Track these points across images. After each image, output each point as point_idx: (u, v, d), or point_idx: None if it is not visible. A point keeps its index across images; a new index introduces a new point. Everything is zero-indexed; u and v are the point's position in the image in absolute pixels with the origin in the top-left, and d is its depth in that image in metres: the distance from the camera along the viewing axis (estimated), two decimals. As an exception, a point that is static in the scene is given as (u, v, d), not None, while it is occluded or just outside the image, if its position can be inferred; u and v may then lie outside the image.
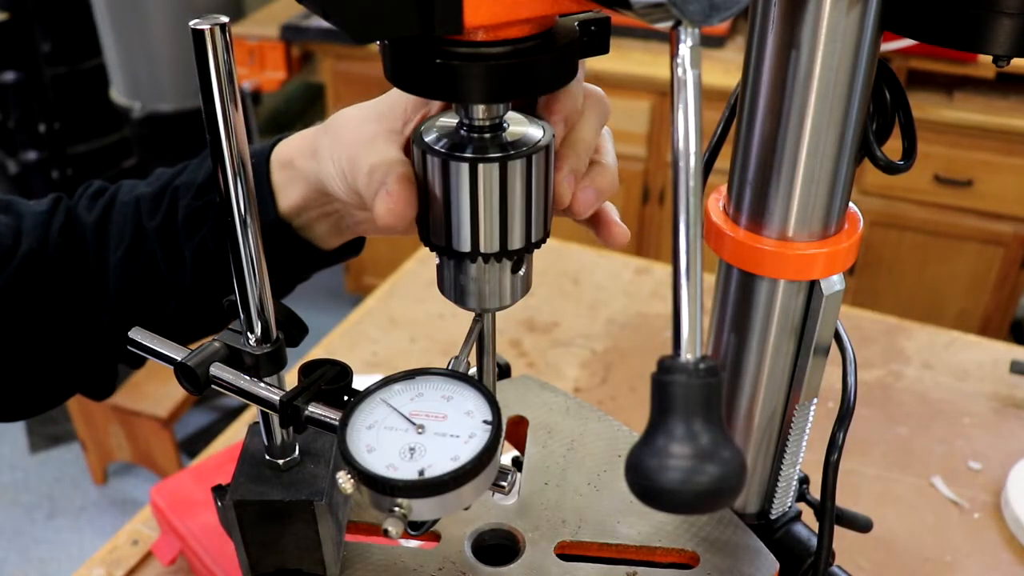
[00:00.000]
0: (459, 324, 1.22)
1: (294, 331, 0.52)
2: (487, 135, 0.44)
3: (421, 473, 0.42)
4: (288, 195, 0.60)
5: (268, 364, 0.50)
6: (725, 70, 2.16)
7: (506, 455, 0.58)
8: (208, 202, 0.61)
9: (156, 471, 2.30)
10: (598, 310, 1.26)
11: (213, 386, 0.50)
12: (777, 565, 0.57)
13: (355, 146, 0.51)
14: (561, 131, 0.48)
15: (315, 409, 0.48)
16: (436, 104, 0.50)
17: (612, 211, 0.53)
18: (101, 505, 2.38)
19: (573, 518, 0.60)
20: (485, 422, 0.45)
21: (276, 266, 0.62)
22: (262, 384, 0.50)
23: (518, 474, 0.63)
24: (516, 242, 0.45)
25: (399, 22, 0.37)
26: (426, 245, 0.47)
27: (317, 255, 0.63)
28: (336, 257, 0.65)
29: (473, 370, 0.53)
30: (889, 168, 0.53)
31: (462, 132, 0.44)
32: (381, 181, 0.47)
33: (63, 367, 0.68)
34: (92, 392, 0.71)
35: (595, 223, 0.53)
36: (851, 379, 0.58)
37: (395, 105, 0.53)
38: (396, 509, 0.42)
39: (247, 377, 0.50)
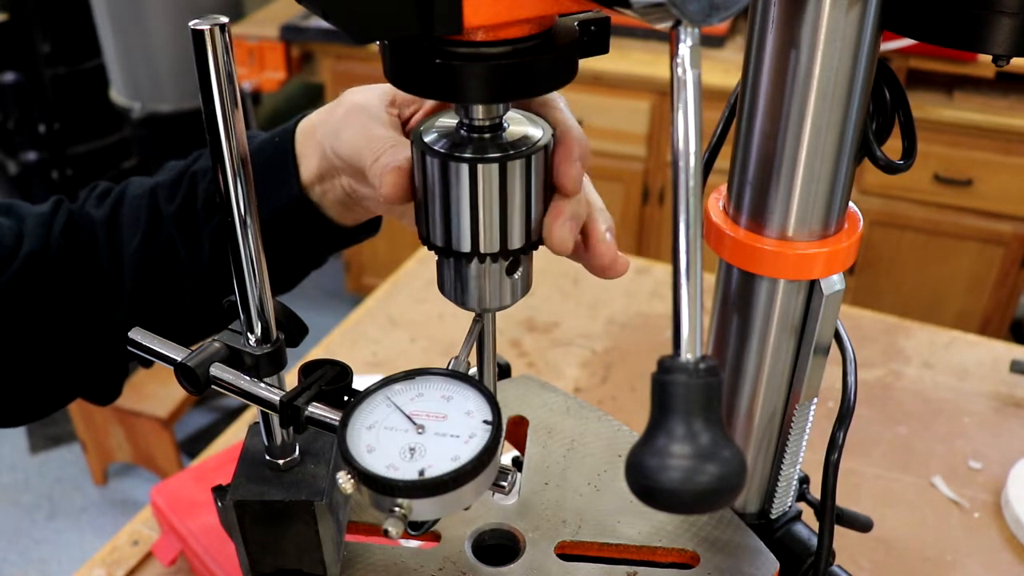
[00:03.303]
0: (459, 324, 1.22)
1: (294, 331, 0.52)
2: (487, 135, 0.44)
3: (421, 473, 0.42)
4: (308, 164, 0.61)
5: (268, 364, 0.50)
6: (725, 70, 2.16)
7: (506, 455, 0.58)
8: None
9: (156, 471, 2.30)
10: (598, 310, 1.26)
11: (213, 386, 0.50)
12: (777, 565, 0.57)
13: (355, 121, 0.54)
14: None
15: (315, 409, 0.48)
16: None
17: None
18: (101, 506, 2.38)
19: (573, 518, 0.60)
20: (485, 422, 0.45)
21: (297, 245, 0.63)
22: (262, 384, 0.50)
23: (518, 474, 0.63)
24: (516, 242, 0.45)
25: (399, 22, 0.37)
26: (426, 245, 0.47)
27: (335, 233, 0.64)
28: (353, 236, 0.66)
29: (473, 370, 0.53)
30: (889, 168, 0.53)
31: (462, 132, 0.44)
32: (386, 162, 0.48)
33: (69, 370, 0.68)
34: (97, 396, 0.71)
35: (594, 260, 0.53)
36: (851, 379, 0.58)
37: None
38: (396, 509, 0.42)
39: (247, 377, 0.50)
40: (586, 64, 0.45)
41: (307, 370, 0.51)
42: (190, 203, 0.63)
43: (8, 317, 0.63)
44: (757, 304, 0.57)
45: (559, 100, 0.49)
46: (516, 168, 0.43)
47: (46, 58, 2.83)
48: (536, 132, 0.45)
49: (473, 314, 0.51)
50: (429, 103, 0.55)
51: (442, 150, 0.43)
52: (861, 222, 0.55)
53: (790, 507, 0.67)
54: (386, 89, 0.56)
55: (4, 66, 2.82)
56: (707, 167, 0.58)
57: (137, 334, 0.52)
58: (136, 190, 0.66)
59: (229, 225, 0.47)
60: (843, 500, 0.66)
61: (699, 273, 0.35)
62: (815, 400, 0.61)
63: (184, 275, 0.64)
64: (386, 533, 0.41)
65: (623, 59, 2.24)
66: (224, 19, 0.42)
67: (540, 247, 0.47)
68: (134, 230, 0.64)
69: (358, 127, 0.54)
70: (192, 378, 0.49)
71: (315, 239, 0.64)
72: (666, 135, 2.28)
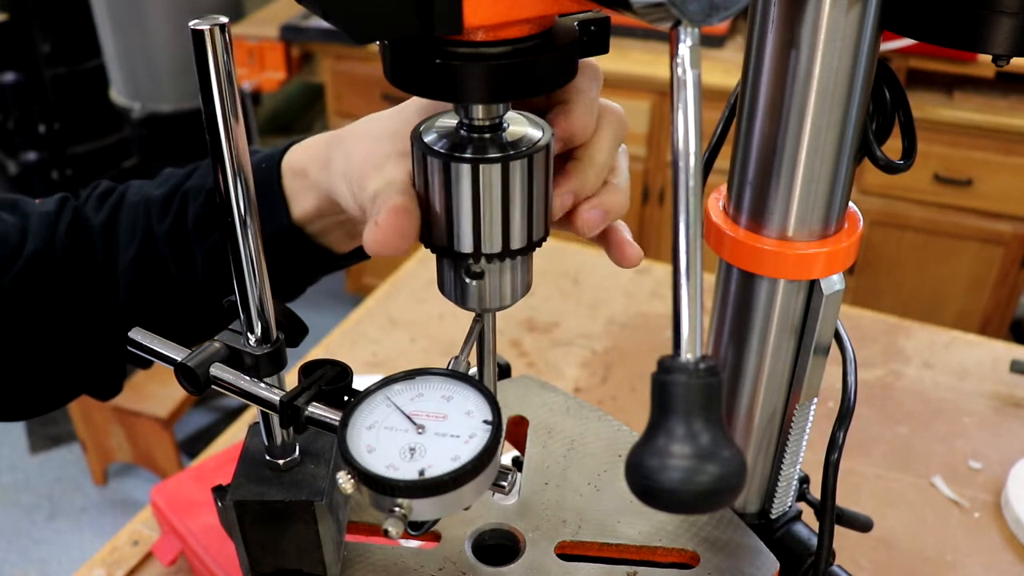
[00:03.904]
0: (459, 324, 1.22)
1: (294, 331, 0.52)
2: (487, 135, 0.44)
3: (421, 473, 0.42)
4: (302, 204, 0.59)
5: (268, 364, 0.50)
6: (725, 70, 2.16)
7: (506, 455, 0.58)
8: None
9: (156, 472, 2.30)
10: (598, 310, 1.26)
11: (213, 386, 0.50)
12: (777, 565, 0.57)
13: (365, 166, 0.50)
14: (561, 148, 0.47)
15: (315, 409, 0.48)
16: None
17: (624, 230, 0.51)
18: (101, 506, 2.38)
19: (573, 518, 0.60)
20: (485, 422, 0.45)
21: (289, 270, 0.62)
22: (262, 384, 0.50)
23: (518, 474, 0.63)
24: (516, 242, 0.45)
25: (399, 22, 0.37)
26: (424, 245, 0.47)
27: (330, 259, 0.63)
28: (349, 260, 0.65)
29: (473, 370, 0.53)
30: (889, 168, 0.53)
31: (461, 132, 0.44)
32: (371, 218, 0.46)
33: (70, 367, 0.68)
34: (99, 392, 0.71)
35: (606, 242, 0.51)
36: (851, 379, 0.58)
37: (408, 123, 0.51)
38: (396, 509, 0.42)
39: (247, 377, 0.50)
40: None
41: (307, 370, 0.51)
42: (181, 224, 0.63)
43: (12, 314, 0.63)
44: (757, 304, 0.56)
45: (592, 82, 0.47)
46: (516, 169, 0.43)
47: (46, 58, 2.83)
48: (536, 133, 0.45)
49: (473, 314, 0.51)
50: None
51: (442, 150, 0.43)
52: (861, 222, 0.55)
53: (790, 507, 0.67)
54: (395, 127, 0.52)
55: (4, 66, 2.82)
56: (707, 167, 0.58)
57: (137, 334, 0.52)
58: (134, 196, 0.65)
59: (229, 225, 0.47)
60: (843, 500, 0.66)
61: (699, 273, 0.35)
62: (815, 400, 0.61)
63: (178, 293, 0.64)
64: (386, 533, 0.41)
65: (623, 59, 2.24)
66: (224, 19, 0.42)
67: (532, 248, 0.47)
68: (130, 240, 0.64)
69: (371, 183, 0.49)
70: (192, 378, 0.49)
71: (304, 265, 0.63)
72: (666, 135, 2.28)
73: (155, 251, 0.63)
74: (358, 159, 0.51)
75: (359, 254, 0.65)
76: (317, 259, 0.63)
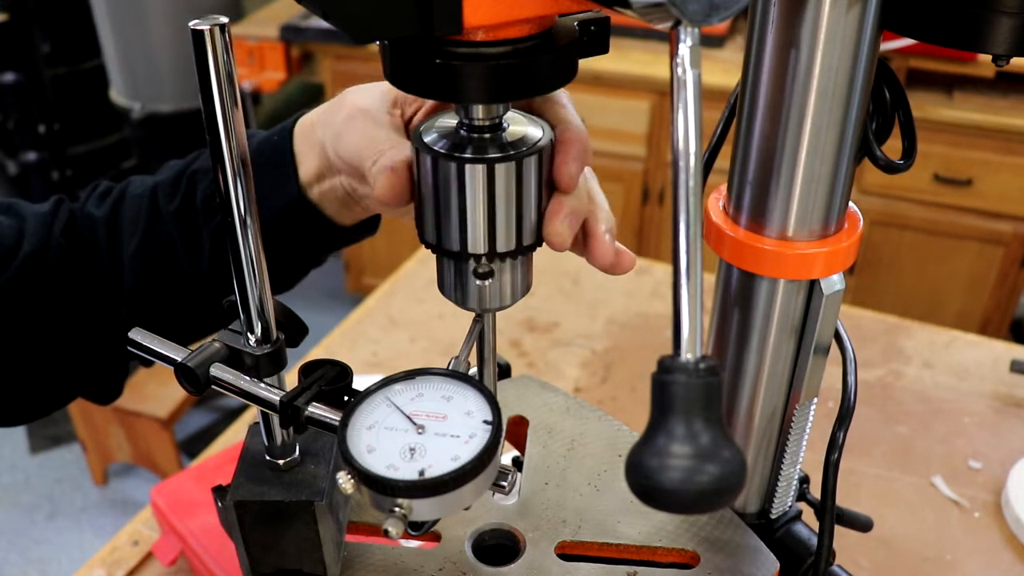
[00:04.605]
0: (459, 324, 1.22)
1: (294, 331, 0.52)
2: (487, 135, 0.44)
3: (421, 473, 0.42)
4: (307, 164, 0.61)
5: (268, 364, 0.50)
6: (725, 70, 2.16)
7: (506, 455, 0.58)
8: None
9: (156, 472, 2.30)
10: (598, 310, 1.26)
11: (213, 387, 0.50)
12: (777, 565, 0.57)
13: (358, 124, 0.54)
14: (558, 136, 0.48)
15: (315, 409, 0.48)
16: None
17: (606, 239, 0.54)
18: (101, 506, 2.38)
19: (573, 518, 0.60)
20: (485, 422, 0.45)
21: (296, 245, 0.63)
22: (262, 384, 0.50)
23: (518, 474, 0.63)
24: (504, 244, 0.45)
25: (399, 22, 0.37)
26: (425, 245, 0.47)
27: (334, 232, 0.64)
28: (352, 236, 0.66)
29: (473, 370, 0.53)
30: (889, 167, 0.53)
31: (461, 132, 0.44)
32: (383, 163, 0.48)
33: (68, 370, 0.68)
34: (98, 396, 0.71)
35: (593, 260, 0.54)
36: (851, 379, 0.58)
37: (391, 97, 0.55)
38: (396, 509, 0.42)
39: (247, 378, 0.50)
40: (586, 64, 0.46)
41: (307, 370, 0.51)
42: (189, 202, 0.63)
43: (8, 316, 0.63)
44: (757, 304, 0.56)
45: (562, 96, 0.49)
46: (521, 168, 0.43)
47: (46, 58, 2.83)
48: (536, 132, 0.45)
49: (473, 314, 0.51)
50: (430, 101, 0.55)
51: (442, 150, 0.43)
52: (861, 222, 0.55)
53: (790, 507, 0.67)
54: (386, 88, 0.56)
55: (4, 66, 2.82)
56: (707, 167, 0.58)
57: (137, 334, 0.52)
58: (137, 189, 0.66)
59: (229, 225, 0.47)
60: (843, 500, 0.66)
61: (699, 273, 0.35)
62: (815, 400, 0.61)
63: (184, 275, 0.64)
64: (386, 533, 0.41)
65: (623, 59, 2.24)
66: (224, 19, 0.42)
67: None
68: (134, 229, 0.64)
69: (360, 130, 0.54)
70: (192, 378, 0.49)
71: (314, 239, 0.64)
72: (666, 135, 2.28)
73: (162, 233, 0.64)
74: (349, 119, 0.55)
75: (361, 230, 0.66)
76: (321, 232, 0.63)
